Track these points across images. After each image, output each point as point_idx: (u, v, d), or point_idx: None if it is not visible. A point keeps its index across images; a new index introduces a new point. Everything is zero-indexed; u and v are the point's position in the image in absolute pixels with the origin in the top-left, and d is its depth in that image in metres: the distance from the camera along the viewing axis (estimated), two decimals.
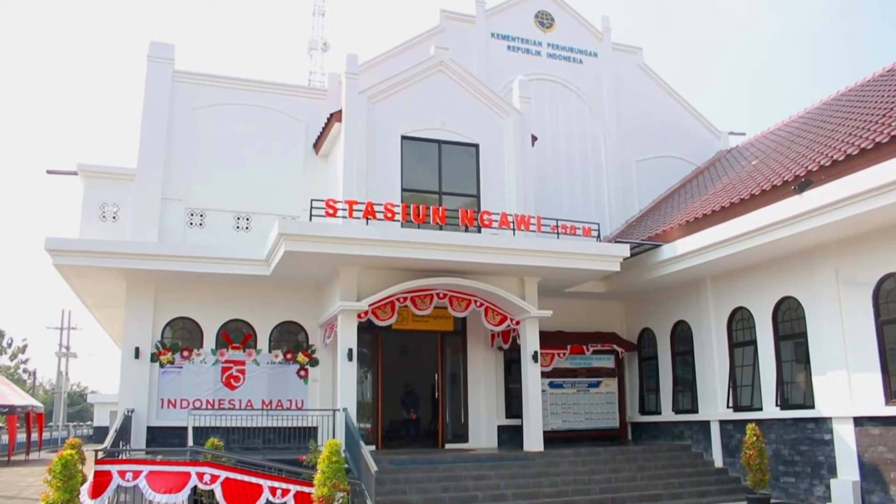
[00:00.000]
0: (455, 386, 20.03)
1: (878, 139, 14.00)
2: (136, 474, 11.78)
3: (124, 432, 15.99)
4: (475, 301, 17.87)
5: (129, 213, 18.99)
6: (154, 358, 18.03)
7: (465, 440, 19.36)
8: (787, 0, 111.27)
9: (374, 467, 13.44)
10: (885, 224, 14.21)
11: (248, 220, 19.63)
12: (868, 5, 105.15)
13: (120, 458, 12.72)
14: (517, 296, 17.97)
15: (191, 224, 19.24)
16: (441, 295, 17.57)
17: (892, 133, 13.69)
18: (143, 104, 19.48)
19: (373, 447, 17.56)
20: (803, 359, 16.42)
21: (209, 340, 18.55)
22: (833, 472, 15.26)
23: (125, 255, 17.00)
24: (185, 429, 16.48)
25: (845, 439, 15.04)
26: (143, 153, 19.12)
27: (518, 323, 18.23)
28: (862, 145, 14.31)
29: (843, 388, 15.17)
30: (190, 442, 15.80)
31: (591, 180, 24.25)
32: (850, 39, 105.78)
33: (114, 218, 19.14)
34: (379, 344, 19.10)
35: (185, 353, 18.30)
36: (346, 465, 13.10)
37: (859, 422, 14.83)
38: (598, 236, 18.45)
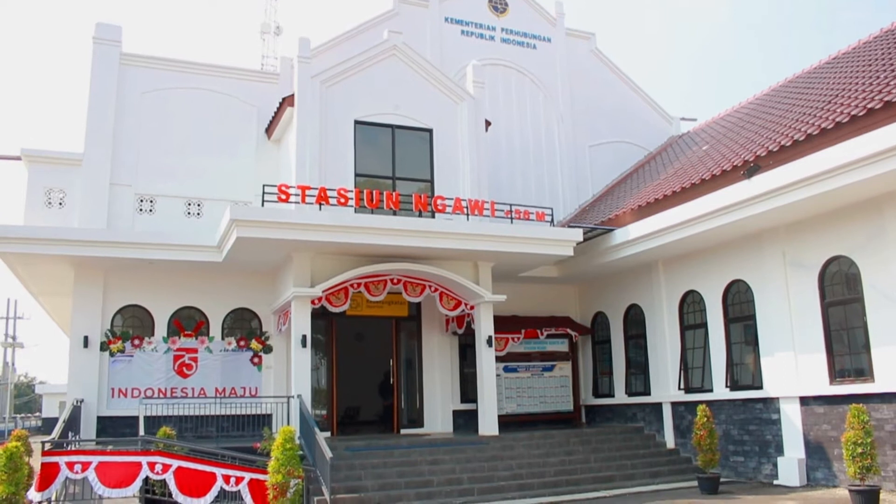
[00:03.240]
0: (410, 371, 20.06)
1: (823, 125, 14.27)
2: (86, 466, 11.58)
3: (73, 423, 15.69)
4: (429, 286, 17.86)
5: (76, 200, 18.58)
6: (104, 347, 17.71)
7: (421, 425, 19.41)
8: None
9: (328, 454, 13.40)
10: (831, 208, 14.54)
11: (199, 206, 19.35)
12: None
13: (68, 449, 12.49)
14: (471, 281, 18.01)
15: (140, 210, 18.90)
16: (395, 280, 17.54)
17: (837, 119, 13.97)
18: (90, 87, 19.03)
19: (328, 434, 17.50)
20: (752, 341, 16.76)
21: (161, 328, 18.28)
22: (780, 450, 15.63)
23: (72, 243, 16.62)
24: (137, 418, 16.25)
25: (792, 418, 15.41)
26: (90, 138, 18.70)
27: (472, 308, 18.28)
28: (808, 131, 14.58)
29: (790, 369, 15.53)
30: (141, 431, 15.56)
31: (544, 165, 24.36)
32: (799, 25, 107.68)
33: (60, 204, 18.71)
34: (333, 330, 19.01)
35: (136, 342, 18.01)
36: (301, 452, 13.06)
37: (805, 401, 15.20)
38: (552, 221, 18.56)
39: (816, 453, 14.90)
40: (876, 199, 13.86)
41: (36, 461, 12.06)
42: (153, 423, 15.47)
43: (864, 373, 14.19)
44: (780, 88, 21.46)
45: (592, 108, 25.58)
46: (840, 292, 14.90)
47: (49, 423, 51.02)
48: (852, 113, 13.72)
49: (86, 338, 17.51)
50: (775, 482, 15.49)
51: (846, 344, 14.73)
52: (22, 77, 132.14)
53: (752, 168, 15.09)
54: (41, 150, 19.03)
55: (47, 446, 12.20)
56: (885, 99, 13.16)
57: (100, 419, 17.24)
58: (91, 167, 18.52)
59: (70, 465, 11.54)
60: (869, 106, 13.41)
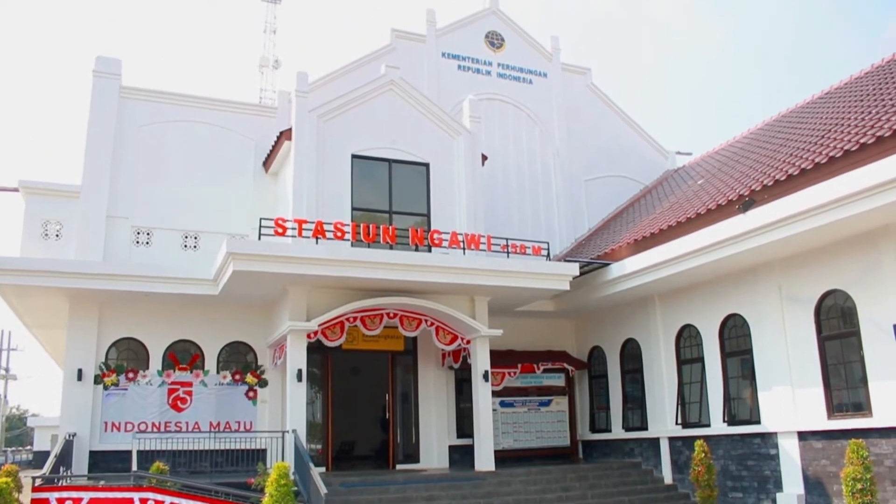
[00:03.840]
0: (406, 406, 19.92)
1: (817, 159, 14.36)
2: (77, 502, 11.44)
3: (65, 457, 15.53)
4: (426, 320, 17.81)
5: (73, 231, 18.60)
6: (98, 380, 17.59)
7: (417, 460, 19.23)
8: (733, 21, 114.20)
9: (323, 490, 13.25)
10: (826, 242, 14.58)
11: (196, 238, 19.36)
12: (812, 23, 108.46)
13: (59, 484, 12.35)
14: (468, 315, 17.97)
15: (137, 242, 18.90)
16: (391, 314, 17.49)
17: (830, 154, 14.06)
18: (89, 120, 19.14)
19: (323, 469, 17.33)
20: (749, 375, 16.70)
21: (155, 361, 18.16)
22: (779, 486, 15.50)
23: (68, 275, 16.58)
24: (130, 453, 16.09)
25: (790, 453, 15.31)
26: (89, 170, 18.76)
27: (469, 342, 18.22)
28: (802, 165, 14.67)
29: (788, 403, 15.46)
30: (134, 466, 15.42)
31: (540, 199, 24.45)
32: (795, 58, 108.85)
33: (57, 236, 18.72)
34: (329, 364, 18.92)
35: (131, 375, 17.89)
36: (296, 488, 12.94)
37: (803, 436, 15.11)
38: (548, 255, 18.57)
39: (816, 489, 14.77)
40: (871, 232, 13.91)
41: (26, 496, 11.91)
42: (146, 457, 15.32)
43: (863, 407, 14.13)
44: (774, 123, 21.63)
45: (588, 142, 25.75)
46: (836, 326, 14.88)
47: (41, 457, 50.49)
48: (845, 147, 13.82)
49: (80, 370, 17.38)
50: None
51: (843, 378, 14.68)
52: (21, 108, 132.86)
53: (747, 202, 15.15)
54: (39, 181, 19.09)
55: (38, 482, 12.07)
56: (878, 134, 13.27)
57: (92, 454, 17.05)
58: (89, 199, 18.55)
59: (61, 501, 11.41)
60: (861, 141, 13.52)
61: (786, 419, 15.47)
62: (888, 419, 13.46)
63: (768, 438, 15.91)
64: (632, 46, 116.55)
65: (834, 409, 14.66)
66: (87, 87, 19.46)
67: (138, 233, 18.97)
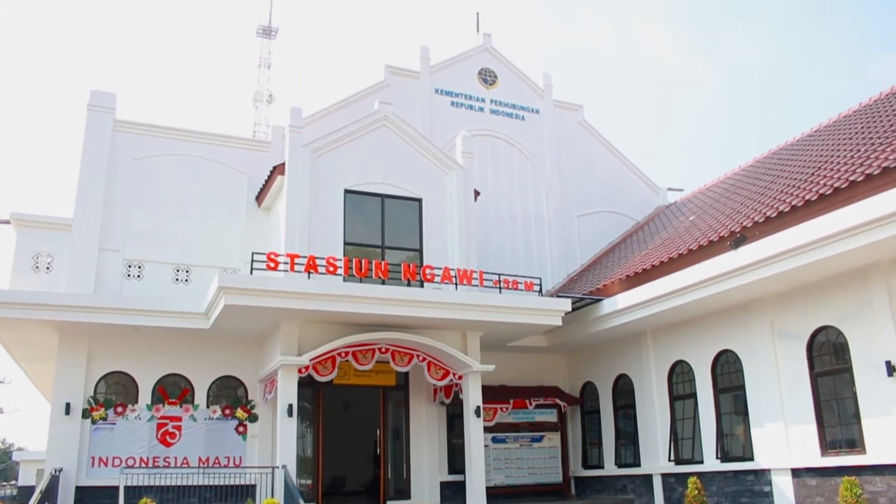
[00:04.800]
0: (397, 441, 19.75)
1: (807, 197, 14.48)
2: None
3: (51, 493, 15.32)
4: (417, 356, 17.75)
5: (64, 264, 18.50)
6: (86, 414, 17.39)
7: (408, 496, 19.01)
8: (724, 58, 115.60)
9: None
10: (817, 279, 14.63)
11: (187, 272, 19.30)
12: (803, 60, 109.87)
13: None
14: (460, 350, 17.91)
15: (128, 276, 18.83)
16: (383, 349, 17.43)
17: (820, 191, 14.19)
18: (82, 153, 19.14)
19: None
20: (742, 411, 16.65)
21: (145, 395, 17.98)
22: None
23: (57, 308, 16.49)
24: (117, 489, 15.84)
25: (784, 491, 15.22)
26: (81, 203, 18.74)
27: (461, 377, 18.13)
28: (793, 202, 14.78)
29: (781, 440, 15.40)
30: (121, 502, 15.18)
31: (532, 235, 24.53)
32: (788, 97, 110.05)
33: (48, 268, 18.63)
34: (320, 399, 18.78)
35: (119, 409, 17.70)
36: None
37: (797, 473, 15.03)
38: (540, 291, 18.58)
39: None
40: (862, 269, 13.97)
41: None
42: (134, 493, 15.10)
43: (856, 444, 14.09)
44: (765, 159, 21.83)
45: (580, 177, 25.91)
46: (829, 362, 14.88)
47: (25, 493, 49.70)
48: (835, 185, 13.95)
49: (68, 404, 17.19)
50: None
51: (836, 414, 14.66)
52: (13, 140, 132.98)
53: (738, 239, 15.23)
54: (30, 213, 19.01)
55: None
56: (866, 172, 13.41)
57: (78, 489, 16.79)
58: (80, 232, 18.51)
59: None
60: (851, 178, 13.65)
61: (779, 456, 15.40)
62: (882, 456, 13.42)
63: (761, 475, 15.82)
64: (624, 84, 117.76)
65: (827, 445, 14.62)
66: (81, 120, 19.55)
67: (130, 266, 18.91)
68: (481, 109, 25.00)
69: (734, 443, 16.87)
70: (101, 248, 18.62)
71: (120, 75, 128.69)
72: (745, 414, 16.47)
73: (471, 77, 25.20)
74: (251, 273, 16.04)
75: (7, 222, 18.81)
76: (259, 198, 20.31)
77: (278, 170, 18.94)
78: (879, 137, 15.39)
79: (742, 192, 19.56)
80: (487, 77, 25.43)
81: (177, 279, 19.17)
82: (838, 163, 15.52)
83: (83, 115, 19.49)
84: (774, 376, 15.73)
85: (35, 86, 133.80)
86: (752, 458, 16.09)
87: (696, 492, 14.97)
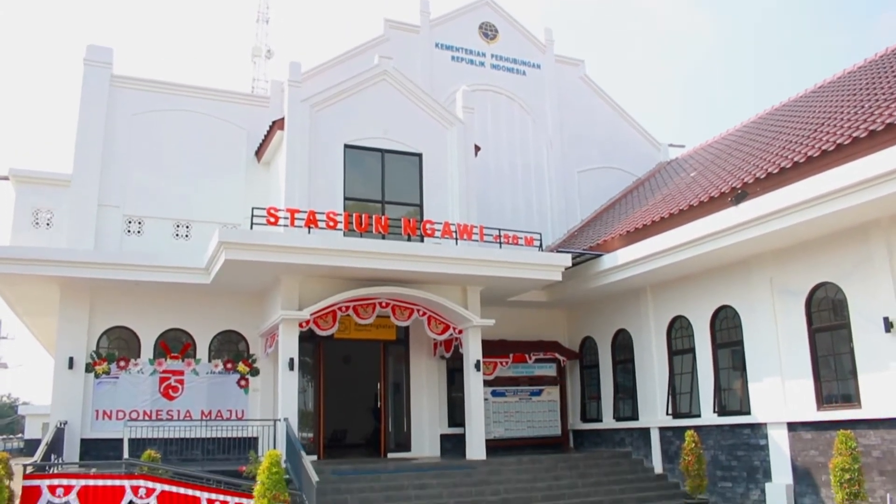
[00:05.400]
0: (398, 395, 19.96)
1: (809, 153, 14.42)
2: (68, 489, 11.44)
3: (56, 445, 15.51)
4: (418, 310, 17.84)
5: (63, 220, 18.53)
6: (89, 368, 17.55)
7: (408, 449, 19.29)
8: (725, 14, 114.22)
9: (315, 477, 13.28)
10: (818, 235, 14.63)
11: (187, 227, 19.31)
12: (804, 16, 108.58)
13: (50, 472, 12.33)
14: (460, 305, 18.00)
15: (128, 231, 18.84)
16: (383, 304, 17.51)
17: (823, 147, 14.12)
18: (80, 109, 19.03)
19: (314, 457, 17.35)
20: (740, 366, 16.78)
21: (147, 350, 18.14)
22: (768, 476, 15.61)
23: (59, 263, 16.55)
24: (121, 441, 16.08)
25: (779, 444, 15.41)
26: (79, 159, 18.67)
27: (461, 332, 18.25)
28: (795, 158, 14.72)
29: (778, 395, 15.55)
30: (125, 454, 15.39)
31: (533, 190, 24.47)
32: (788, 52, 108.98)
33: (48, 224, 18.67)
34: (321, 353, 18.93)
35: (122, 363, 17.86)
36: (287, 476, 12.97)
37: (792, 427, 15.21)
38: (541, 246, 18.60)
39: (804, 479, 14.88)
40: (862, 225, 13.97)
41: (17, 484, 11.89)
42: (138, 445, 15.31)
43: (852, 399, 14.23)
44: (767, 116, 21.68)
45: (581, 133, 25.77)
46: (827, 318, 14.96)
47: (32, 445, 50.39)
48: (838, 141, 13.88)
49: (71, 359, 17.35)
50: None
51: (833, 370, 14.78)
52: (11, 96, 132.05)
53: (739, 195, 15.19)
54: (29, 170, 19.01)
55: (29, 469, 12.06)
56: (870, 128, 13.33)
57: (83, 441, 17.03)
58: (79, 188, 18.48)
59: (52, 489, 11.40)
60: (854, 135, 13.58)
61: (776, 410, 15.57)
62: (877, 410, 13.56)
63: (758, 429, 16.01)
64: (625, 39, 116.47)
65: (823, 400, 14.76)
66: (79, 75, 19.36)
67: (129, 221, 18.91)
68: (482, 64, 24.76)
69: (731, 397, 17.04)
70: (101, 203, 18.60)
71: (117, 30, 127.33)
72: (743, 369, 16.61)
73: (471, 31, 24.91)
74: (251, 228, 16.05)
75: (6, 178, 18.81)
76: (258, 153, 20.23)
77: (277, 125, 18.84)
78: (884, 93, 15.27)
79: (744, 149, 19.47)
80: (488, 31, 25.14)
81: (177, 235, 19.19)
82: (842, 119, 15.42)
83: (80, 70, 19.31)
84: (773, 332, 15.82)
85: (33, 40, 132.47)
86: (748, 413, 16.27)
87: (693, 444, 15.15)
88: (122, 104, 19.42)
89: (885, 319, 13.52)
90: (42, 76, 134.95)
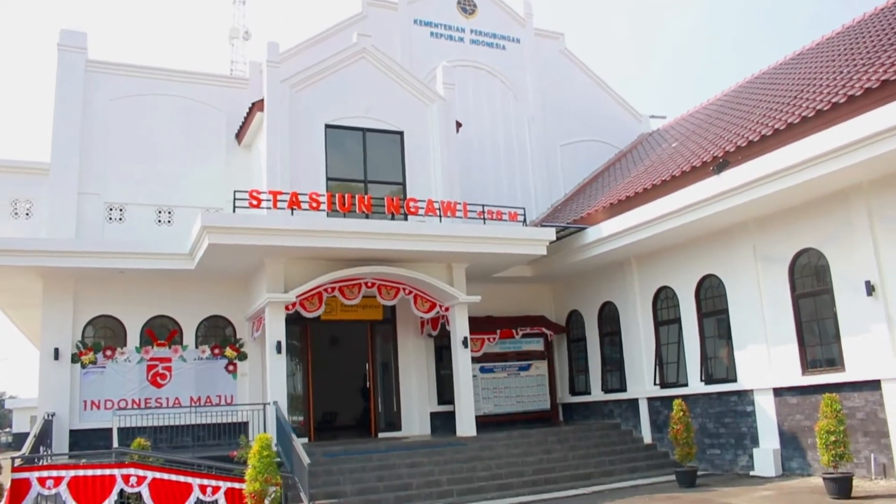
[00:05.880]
0: (386, 374, 20.00)
1: (789, 120, 14.44)
2: (58, 481, 11.39)
3: (45, 437, 15.45)
4: (404, 289, 17.83)
5: (43, 209, 18.36)
6: (75, 358, 17.47)
7: (398, 428, 19.34)
8: None
9: (306, 460, 13.32)
10: (799, 202, 14.71)
11: (170, 213, 19.18)
12: None
13: (39, 464, 12.29)
14: (445, 282, 18.00)
15: (110, 219, 18.69)
16: (369, 284, 17.49)
17: (802, 114, 14.14)
18: (56, 95, 18.79)
19: (305, 440, 17.40)
20: (725, 334, 16.90)
21: (133, 338, 18.05)
22: (755, 441, 15.78)
23: (40, 254, 16.40)
24: (110, 430, 16.06)
25: (766, 410, 15.56)
26: (57, 146, 18.46)
27: (447, 309, 18.27)
28: (775, 126, 14.75)
29: (763, 361, 15.68)
30: (115, 443, 15.39)
31: (516, 165, 24.43)
32: (771, 21, 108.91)
33: (27, 214, 18.50)
34: (308, 335, 18.91)
35: (108, 353, 17.78)
36: (279, 459, 12.98)
37: (778, 392, 15.36)
38: (524, 221, 18.60)
39: (791, 443, 15.05)
40: (843, 191, 14.03)
41: (6, 478, 11.85)
42: (127, 434, 15.30)
43: (835, 362, 14.37)
44: (748, 84, 21.68)
45: (563, 107, 25.70)
46: (810, 284, 15.07)
47: (20, 439, 50.23)
48: (817, 108, 13.90)
49: (56, 350, 17.25)
50: (751, 473, 15.62)
51: (817, 335, 14.90)
52: None
53: (721, 164, 15.23)
54: (6, 159, 18.85)
55: (17, 462, 12.00)
56: (849, 94, 13.36)
57: (72, 433, 16.98)
58: (58, 176, 18.28)
59: (42, 481, 11.35)
60: (833, 101, 13.60)
61: (761, 376, 15.71)
62: (860, 373, 13.71)
63: (745, 396, 16.15)
64: (606, 11, 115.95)
65: (808, 365, 14.90)
66: (54, 61, 19.09)
67: (111, 209, 18.75)
68: (461, 40, 24.59)
69: (718, 365, 17.17)
70: (81, 191, 18.42)
71: (92, 14, 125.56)
72: (729, 337, 16.73)
73: (450, 6, 24.69)
74: (234, 211, 15.96)
75: None
76: (239, 136, 20.07)
77: (257, 106, 18.68)
78: (862, 58, 15.28)
79: (725, 118, 19.49)
80: (466, 6, 24.94)
81: (159, 221, 19.05)
82: (821, 85, 15.43)
83: (55, 55, 19.04)
84: (757, 299, 15.93)
85: (6, 26, 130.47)
86: (735, 380, 16.40)
87: (682, 413, 15.27)
88: (99, 89, 19.19)
89: (867, 283, 13.63)
90: (16, 62, 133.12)
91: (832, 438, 12.30)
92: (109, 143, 19.00)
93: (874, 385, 13.50)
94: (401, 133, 19.70)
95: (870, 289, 13.59)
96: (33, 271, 16.92)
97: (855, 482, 12.49)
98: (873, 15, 18.82)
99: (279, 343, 16.34)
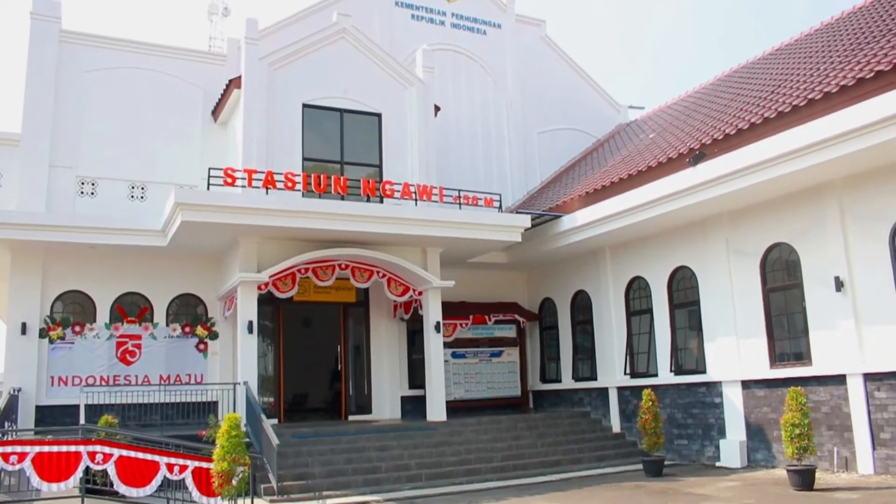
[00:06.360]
0: (358, 357, 19.97)
1: (766, 114, 14.53)
2: (22, 456, 11.19)
3: (10, 412, 15.26)
4: (377, 272, 17.78)
5: (13, 181, 18.03)
6: (43, 334, 17.24)
7: (369, 411, 19.34)
8: None
9: (275, 441, 13.28)
10: (773, 196, 14.84)
11: (143, 189, 18.93)
12: None
13: (3, 439, 12.11)
14: (419, 266, 17.97)
15: (82, 193, 18.41)
16: (343, 266, 17.41)
17: (779, 109, 14.23)
18: (27, 65, 18.39)
19: (275, 421, 17.34)
20: (696, 326, 17.05)
21: (103, 314, 17.85)
22: (722, 433, 15.96)
23: (9, 226, 16.11)
24: (78, 407, 15.89)
25: (733, 401, 15.74)
26: (28, 117, 18.10)
27: (421, 293, 18.25)
28: (752, 120, 14.83)
29: (733, 354, 15.84)
30: (82, 420, 15.23)
31: (493, 151, 24.40)
32: (756, 21, 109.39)
33: None
34: (280, 316, 18.82)
35: (77, 329, 17.58)
36: (248, 440, 12.90)
37: (746, 385, 15.54)
38: (500, 207, 18.60)
39: (757, 435, 15.25)
40: (816, 187, 14.17)
41: None
42: (95, 411, 15.14)
43: (803, 356, 14.55)
44: (726, 78, 21.79)
45: (542, 94, 25.68)
46: (781, 278, 15.22)
47: None
48: (793, 103, 13.99)
49: (24, 324, 17.01)
50: (717, 464, 15.81)
51: (786, 329, 15.08)
52: None
53: (697, 156, 15.31)
54: None
55: None
56: (825, 90, 13.45)
57: (38, 408, 16.77)
58: (29, 148, 17.94)
59: (5, 457, 11.14)
60: (809, 97, 13.70)
61: (730, 369, 15.87)
62: (826, 367, 13.91)
63: (713, 387, 16.32)
64: (588, 1, 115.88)
65: (776, 358, 15.08)
66: (26, 29, 18.70)
67: (83, 183, 18.47)
68: (442, 23, 24.45)
69: (688, 356, 17.32)
70: (52, 164, 18.10)
71: None
72: (699, 329, 16.88)
73: None
74: (208, 189, 15.80)
75: None
76: (215, 113, 19.84)
77: (234, 83, 18.47)
78: (839, 56, 15.40)
79: (702, 110, 19.58)
80: None
81: (132, 196, 18.80)
82: (798, 81, 15.54)
83: (27, 24, 18.66)
84: (728, 292, 16.07)
85: None
86: (704, 371, 16.57)
87: (650, 403, 15.39)
88: (73, 61, 18.83)
89: (836, 279, 13.80)
90: None
91: (797, 431, 12.46)
92: (83, 115, 18.68)
93: (840, 380, 13.70)
94: (379, 115, 19.58)
95: (839, 284, 13.76)
96: (1, 244, 16.65)
97: (818, 475, 12.69)
98: (851, 13, 18.97)
99: (251, 323, 16.25)
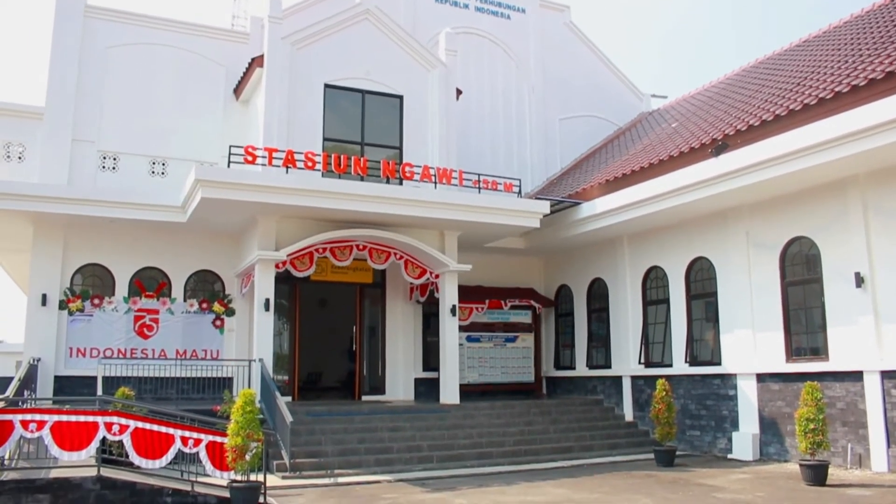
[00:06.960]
0: (373, 338, 20.04)
1: (791, 107, 14.37)
2: (41, 425, 11.36)
3: (29, 382, 15.48)
4: (395, 253, 17.81)
5: (36, 154, 18.18)
6: (63, 305, 17.43)
7: (383, 392, 19.44)
8: None
9: (289, 418, 13.38)
10: (795, 189, 14.71)
11: (164, 165, 19.04)
12: None
13: (23, 407, 12.28)
14: (437, 249, 17.99)
15: (103, 167, 18.54)
16: (361, 247, 17.46)
17: (805, 101, 14.08)
18: (52, 39, 18.54)
19: (289, 398, 17.46)
20: (713, 317, 16.97)
21: (121, 288, 18.02)
22: (735, 425, 15.91)
23: (32, 198, 16.29)
24: (95, 378, 16.06)
25: (748, 394, 15.68)
26: (52, 91, 18.25)
27: (437, 276, 18.27)
28: (777, 112, 14.68)
29: (749, 346, 15.77)
30: (99, 391, 15.40)
31: (514, 136, 24.30)
32: (773, 8, 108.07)
33: (20, 158, 18.31)
34: (297, 295, 18.91)
35: (96, 301, 17.75)
36: (261, 416, 13.01)
37: (761, 378, 15.47)
38: (520, 192, 18.55)
39: (770, 429, 15.19)
40: (840, 181, 14.03)
41: None
42: (112, 383, 15.31)
43: (820, 352, 14.46)
44: (751, 69, 21.56)
45: (564, 81, 25.52)
46: (800, 272, 15.11)
47: (4, 383, 50.15)
48: (820, 96, 13.83)
49: (44, 296, 17.21)
50: (729, 456, 15.79)
51: (803, 323, 14.98)
52: None
53: (719, 146, 15.18)
54: (0, 101, 18.54)
55: (1, 404, 12.00)
56: (853, 83, 13.28)
57: (57, 378, 17.01)
58: (53, 121, 18.10)
59: (25, 424, 11.32)
60: (836, 89, 13.53)
61: (746, 361, 15.81)
62: (843, 363, 13.82)
63: (728, 379, 16.27)
64: None
65: (793, 352, 15.00)
66: (52, 4, 18.78)
67: (104, 157, 18.60)
68: (466, 6, 24.32)
69: (703, 348, 17.26)
70: (75, 138, 18.26)
71: None
72: (716, 320, 16.81)
73: None
74: (228, 166, 15.86)
75: None
76: (237, 91, 19.88)
77: (257, 62, 18.48)
78: (868, 49, 15.19)
79: (726, 101, 19.40)
80: None
81: (153, 172, 18.91)
82: (825, 73, 15.35)
83: None
84: (746, 285, 15.98)
85: None
86: (719, 363, 16.51)
87: (664, 393, 15.36)
88: (97, 36, 18.92)
89: (857, 274, 13.68)
90: (14, 4, 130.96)
91: (811, 426, 12.39)
92: (105, 90, 18.79)
93: (857, 376, 13.61)
94: (400, 97, 19.54)
95: (859, 280, 13.65)
96: (24, 216, 16.82)
97: (830, 470, 12.63)
98: (882, 6, 18.69)
99: (267, 301, 16.33)
